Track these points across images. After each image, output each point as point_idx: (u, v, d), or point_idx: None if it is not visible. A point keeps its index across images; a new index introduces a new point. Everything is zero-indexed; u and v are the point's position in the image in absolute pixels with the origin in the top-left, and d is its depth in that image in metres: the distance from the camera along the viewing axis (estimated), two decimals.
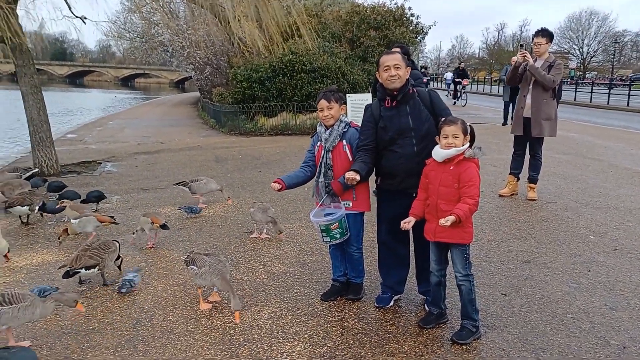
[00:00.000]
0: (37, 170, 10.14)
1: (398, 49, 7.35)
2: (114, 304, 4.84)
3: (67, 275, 4.93)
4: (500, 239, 6.52)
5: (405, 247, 4.63)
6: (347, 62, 21.19)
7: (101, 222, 6.41)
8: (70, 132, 20.70)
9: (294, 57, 19.47)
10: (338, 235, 4.48)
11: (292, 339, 4.16)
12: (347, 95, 17.38)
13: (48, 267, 5.77)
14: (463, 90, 30.93)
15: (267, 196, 8.63)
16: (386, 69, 4.24)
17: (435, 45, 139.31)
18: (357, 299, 4.81)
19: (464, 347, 3.97)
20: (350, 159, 4.52)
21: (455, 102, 30.36)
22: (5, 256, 5.71)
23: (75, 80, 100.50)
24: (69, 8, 12.57)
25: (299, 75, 19.46)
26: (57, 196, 8.13)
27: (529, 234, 6.74)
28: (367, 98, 12.21)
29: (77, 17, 12.78)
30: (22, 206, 7.30)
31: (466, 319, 4.09)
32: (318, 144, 4.71)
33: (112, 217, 6.63)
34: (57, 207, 7.22)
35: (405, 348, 3.97)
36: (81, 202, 7.76)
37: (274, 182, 4.55)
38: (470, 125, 3.94)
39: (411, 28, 25.73)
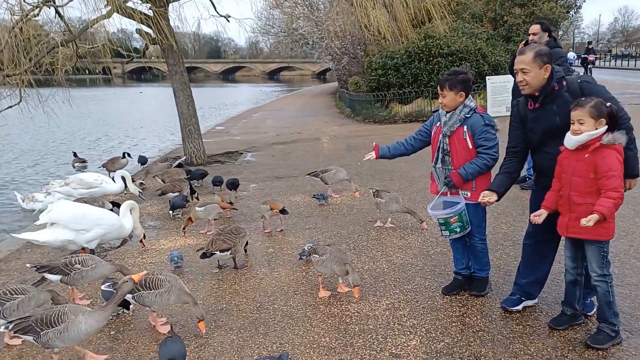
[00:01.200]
0: (184, 159, 11.07)
1: (538, 27, 6.76)
2: (241, 287, 5.11)
3: (204, 256, 5.29)
4: None
5: (549, 246, 4.05)
6: (488, 43, 20.07)
7: (223, 209, 6.78)
8: (219, 125, 22.35)
9: (431, 41, 18.90)
10: (458, 229, 4.23)
11: (408, 332, 4.04)
12: (487, 77, 16.58)
13: (189, 249, 6.27)
14: (591, 66, 29.72)
15: (396, 185, 8.50)
16: (516, 72, 3.74)
17: (594, 19, 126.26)
18: (481, 295, 4.52)
19: (600, 352, 3.54)
20: (471, 147, 4.21)
21: None
22: (141, 242, 6.24)
23: (228, 76, 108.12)
24: (214, 7, 13.49)
25: (436, 59, 18.87)
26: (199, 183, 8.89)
27: None
28: (509, 80, 11.44)
29: (221, 15, 13.67)
30: (173, 192, 8.04)
31: (603, 322, 3.63)
32: (437, 124, 4.44)
33: (231, 203, 7.05)
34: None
35: (532, 350, 3.65)
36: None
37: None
38: (611, 106, 3.42)
39: (561, 2, 23.58)
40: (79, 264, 4.61)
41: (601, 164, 3.33)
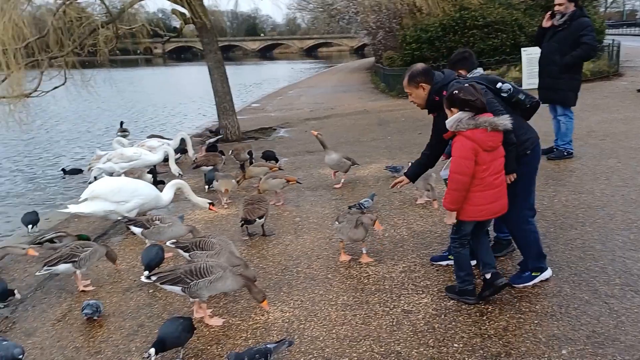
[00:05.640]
0: (221, 135, 11.49)
1: None
2: (268, 252, 5.45)
3: (247, 222, 5.64)
4: None
5: None
6: (526, 13, 19.60)
7: (288, 182, 7.09)
8: (255, 102, 22.76)
9: (466, 12, 18.61)
10: None
11: (420, 292, 4.29)
12: (523, 49, 16.30)
13: (221, 219, 6.66)
14: None
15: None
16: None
17: None
18: (500, 256, 4.72)
19: None
20: None
21: None
22: (211, 209, 6.36)
23: (265, 53, 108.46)
24: None
25: (471, 32, 18.58)
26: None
27: None
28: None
29: None
30: (207, 166, 8.43)
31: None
32: None
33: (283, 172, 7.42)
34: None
35: (537, 307, 3.85)
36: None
37: None
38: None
39: None
40: (159, 220, 5.29)
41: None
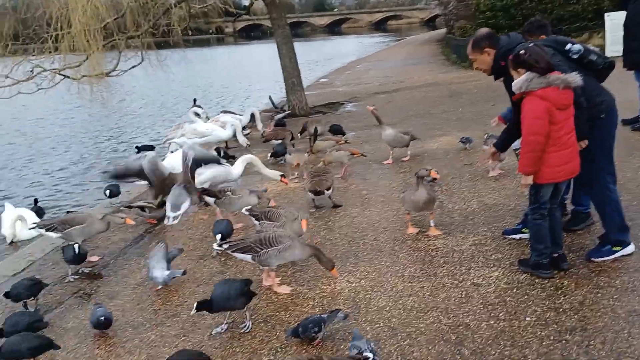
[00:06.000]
0: (289, 111, 11.59)
1: None
2: (335, 224, 5.48)
3: (318, 193, 5.73)
4: None
5: None
6: None
7: (352, 154, 7.10)
8: (323, 77, 22.75)
9: None
10: None
11: (491, 265, 4.17)
12: (606, 14, 15.19)
13: (289, 191, 6.77)
14: None
15: (497, 129, 8.31)
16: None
17: None
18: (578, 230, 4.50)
19: None
20: None
21: None
22: (282, 180, 6.38)
23: (334, 28, 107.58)
24: None
25: None
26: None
27: None
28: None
29: None
30: (276, 140, 8.57)
31: None
32: None
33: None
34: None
35: (617, 282, 3.65)
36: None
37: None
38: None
39: None
40: (230, 192, 5.48)
41: None
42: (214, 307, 3.57)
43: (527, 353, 3.08)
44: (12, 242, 6.66)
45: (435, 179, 4.98)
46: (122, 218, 5.18)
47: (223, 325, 3.72)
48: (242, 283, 3.69)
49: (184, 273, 4.45)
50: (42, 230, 5.14)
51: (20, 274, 5.20)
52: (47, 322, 3.91)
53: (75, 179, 10.61)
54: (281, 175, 6.26)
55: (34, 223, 5.57)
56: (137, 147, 11.88)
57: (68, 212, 6.87)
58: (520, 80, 3.58)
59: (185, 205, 5.16)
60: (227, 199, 5.46)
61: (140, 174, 5.70)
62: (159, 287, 4.44)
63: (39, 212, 7.39)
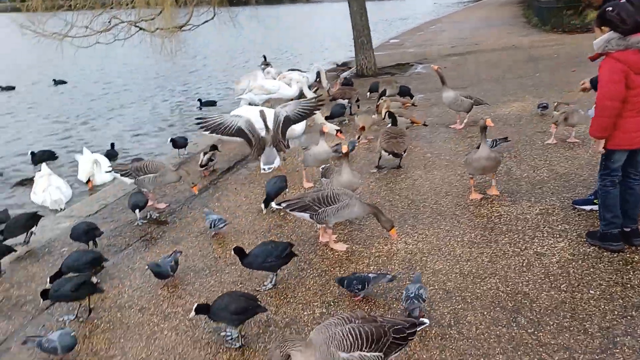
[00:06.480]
0: (352, 68, 11.40)
1: None
2: (396, 186, 5.41)
3: (397, 155, 5.65)
4: None
5: None
6: None
7: (412, 123, 6.95)
8: (394, 38, 22.12)
9: None
10: None
11: (557, 235, 4.00)
12: None
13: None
14: None
15: (575, 97, 7.83)
16: None
17: None
18: None
19: None
20: None
21: None
22: (337, 135, 6.50)
23: None
24: None
25: None
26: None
27: None
28: None
29: None
30: (343, 99, 8.49)
31: None
32: None
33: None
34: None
35: None
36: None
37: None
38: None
39: None
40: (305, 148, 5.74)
41: None
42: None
43: (588, 326, 2.95)
44: (88, 180, 6.81)
45: (485, 127, 4.62)
46: (193, 184, 5.31)
47: (269, 281, 3.80)
48: (283, 246, 3.73)
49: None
50: (118, 175, 5.42)
51: (94, 215, 5.53)
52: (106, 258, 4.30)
53: (149, 127, 10.87)
54: (337, 130, 6.22)
55: (110, 166, 5.90)
56: (199, 100, 12.08)
57: (136, 158, 7.12)
58: (601, 39, 3.35)
59: (277, 161, 5.88)
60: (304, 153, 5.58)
61: (240, 133, 5.91)
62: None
63: (110, 155, 7.80)
